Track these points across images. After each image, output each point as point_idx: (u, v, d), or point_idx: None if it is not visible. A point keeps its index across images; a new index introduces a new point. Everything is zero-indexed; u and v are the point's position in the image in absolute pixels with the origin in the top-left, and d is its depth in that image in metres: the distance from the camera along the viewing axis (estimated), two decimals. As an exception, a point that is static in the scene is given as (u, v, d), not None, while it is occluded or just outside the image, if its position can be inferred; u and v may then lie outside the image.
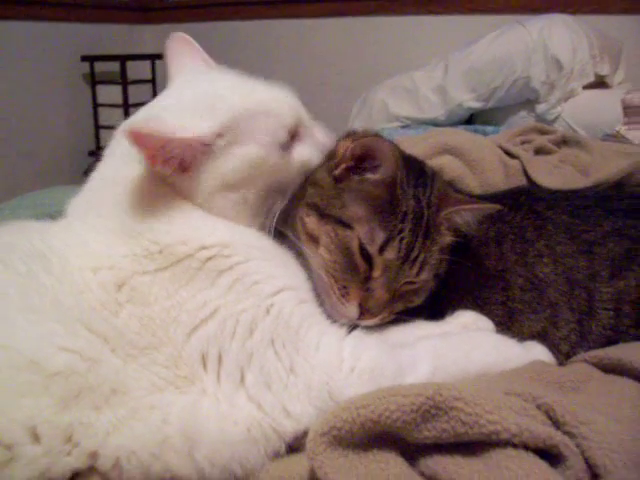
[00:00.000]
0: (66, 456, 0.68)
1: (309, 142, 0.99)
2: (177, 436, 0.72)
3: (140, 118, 0.89)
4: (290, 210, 1.00)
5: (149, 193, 0.87)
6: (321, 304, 0.94)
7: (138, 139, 0.80)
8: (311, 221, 0.97)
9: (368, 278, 0.94)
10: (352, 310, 0.94)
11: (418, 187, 0.99)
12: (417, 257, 0.96)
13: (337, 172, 0.98)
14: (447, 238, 1.01)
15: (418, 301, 1.00)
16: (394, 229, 0.94)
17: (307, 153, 0.99)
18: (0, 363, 0.69)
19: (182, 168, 0.86)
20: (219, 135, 0.87)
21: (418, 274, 0.96)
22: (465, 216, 1.00)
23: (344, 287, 0.94)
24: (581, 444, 0.65)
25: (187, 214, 0.87)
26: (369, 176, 0.96)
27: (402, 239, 0.94)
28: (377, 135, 1.06)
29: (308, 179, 1.00)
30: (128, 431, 0.71)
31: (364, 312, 0.94)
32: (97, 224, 0.86)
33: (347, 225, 0.94)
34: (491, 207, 1.02)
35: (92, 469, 0.69)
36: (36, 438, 0.67)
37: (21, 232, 0.87)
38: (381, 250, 0.93)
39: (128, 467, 0.70)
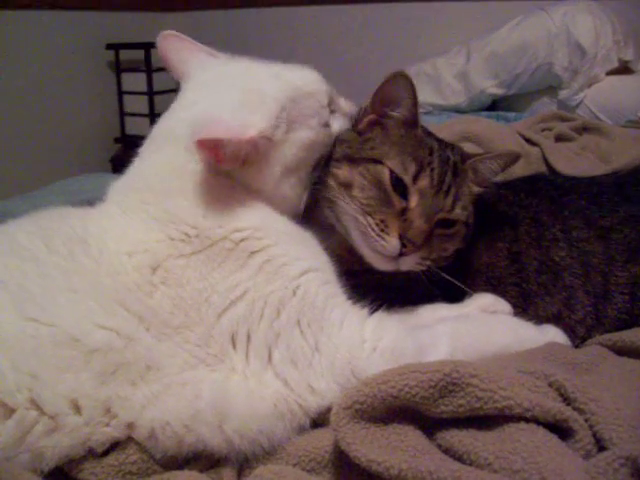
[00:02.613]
0: (105, 426, 0.73)
1: (339, 113, 1.06)
2: (208, 410, 0.75)
3: (197, 121, 0.88)
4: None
5: (198, 182, 0.89)
6: (357, 262, 0.99)
7: (208, 146, 0.83)
8: (342, 170, 1.02)
9: (404, 210, 0.96)
10: (393, 243, 0.95)
11: (440, 143, 1.05)
12: (449, 189, 0.99)
13: (361, 126, 1.05)
14: (475, 188, 1.05)
15: (451, 249, 1.03)
16: (424, 160, 0.99)
17: (340, 124, 1.06)
18: (45, 339, 0.74)
19: (244, 163, 0.89)
20: (275, 127, 0.90)
21: (452, 207, 0.99)
22: (490, 165, 1.05)
23: (382, 221, 0.96)
24: (589, 419, 0.68)
25: (226, 199, 0.89)
26: (392, 116, 1.03)
27: (432, 169, 0.98)
28: None
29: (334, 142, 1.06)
30: (162, 405, 0.75)
31: (405, 244, 0.94)
32: (137, 208, 0.89)
33: (378, 161, 0.99)
34: (512, 153, 1.07)
35: (130, 439, 0.74)
36: (77, 409, 0.72)
37: (61, 217, 0.90)
38: (415, 179, 0.97)
39: (163, 438, 0.74)
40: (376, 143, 1.02)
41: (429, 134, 1.07)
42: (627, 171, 1.23)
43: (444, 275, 0.99)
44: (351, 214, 0.99)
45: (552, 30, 2.73)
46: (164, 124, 0.99)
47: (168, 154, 0.93)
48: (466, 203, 1.02)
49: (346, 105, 1.09)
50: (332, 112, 1.04)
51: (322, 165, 1.04)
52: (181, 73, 1.03)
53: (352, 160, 1.02)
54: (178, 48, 1.04)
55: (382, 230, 0.95)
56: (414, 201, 0.97)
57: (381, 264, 0.97)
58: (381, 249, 0.96)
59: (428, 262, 0.99)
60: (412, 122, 1.02)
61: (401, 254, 0.95)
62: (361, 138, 1.05)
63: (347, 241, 1.03)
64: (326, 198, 1.04)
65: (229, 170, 0.90)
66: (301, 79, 0.99)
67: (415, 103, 1.01)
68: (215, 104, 0.93)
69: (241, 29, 4.26)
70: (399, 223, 0.95)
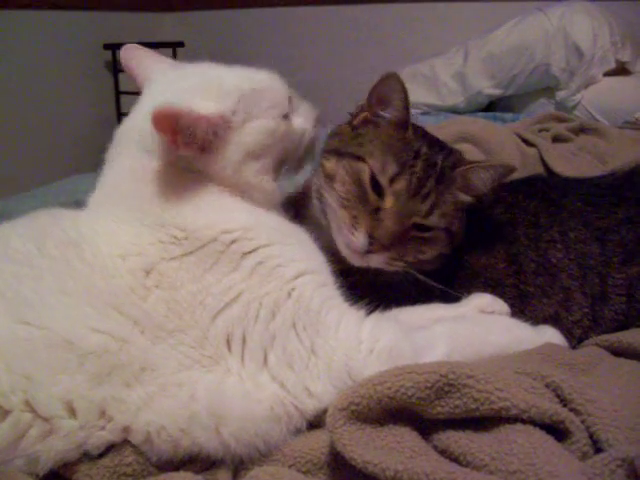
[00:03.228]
0: (100, 430, 0.72)
1: (301, 114, 1.06)
2: (204, 412, 0.75)
3: (158, 102, 0.85)
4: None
5: (172, 182, 0.89)
6: (335, 253, 0.99)
7: (165, 120, 0.82)
8: (329, 163, 1.05)
9: (378, 210, 0.99)
10: (360, 239, 0.97)
11: (433, 146, 1.06)
12: (428, 195, 1.00)
13: (356, 121, 1.08)
14: (463, 196, 1.05)
15: (430, 254, 1.03)
16: (406, 164, 1.00)
17: (302, 122, 1.04)
18: (39, 342, 0.73)
19: (203, 149, 0.89)
20: (234, 112, 0.91)
21: (429, 214, 1.00)
22: (482, 174, 1.04)
23: (354, 217, 0.99)
24: (586, 420, 0.68)
25: (211, 200, 0.90)
26: (383, 116, 1.05)
27: (413, 173, 0.99)
28: None
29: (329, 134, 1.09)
30: (158, 407, 0.74)
31: (373, 242, 0.97)
32: (121, 215, 0.88)
33: (361, 159, 1.01)
34: (507, 165, 1.06)
35: (125, 442, 0.73)
36: (72, 413, 0.72)
37: (54, 220, 0.90)
38: (391, 181, 0.99)
39: (158, 441, 0.73)
40: (365, 140, 1.04)
41: (424, 136, 1.08)
42: (624, 172, 1.23)
43: (427, 280, 1.00)
44: (332, 206, 1.02)
45: (550, 31, 2.72)
46: (125, 126, 0.98)
47: (132, 158, 0.92)
48: (447, 210, 1.01)
49: (307, 109, 1.08)
50: (293, 111, 1.03)
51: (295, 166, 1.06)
52: (143, 79, 1.03)
53: (339, 154, 1.05)
54: (141, 56, 1.05)
55: (353, 225, 0.98)
56: (389, 202, 0.98)
57: (351, 258, 1.00)
58: (350, 243, 0.99)
59: (401, 263, 1.00)
60: (402, 123, 1.04)
61: (369, 251, 0.97)
62: (353, 133, 1.07)
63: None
64: (315, 189, 1.08)
65: (190, 162, 0.90)
66: (261, 76, 1.00)
67: (406, 105, 1.03)
68: (174, 94, 0.92)
69: (241, 29, 4.25)
70: (370, 221, 0.98)
